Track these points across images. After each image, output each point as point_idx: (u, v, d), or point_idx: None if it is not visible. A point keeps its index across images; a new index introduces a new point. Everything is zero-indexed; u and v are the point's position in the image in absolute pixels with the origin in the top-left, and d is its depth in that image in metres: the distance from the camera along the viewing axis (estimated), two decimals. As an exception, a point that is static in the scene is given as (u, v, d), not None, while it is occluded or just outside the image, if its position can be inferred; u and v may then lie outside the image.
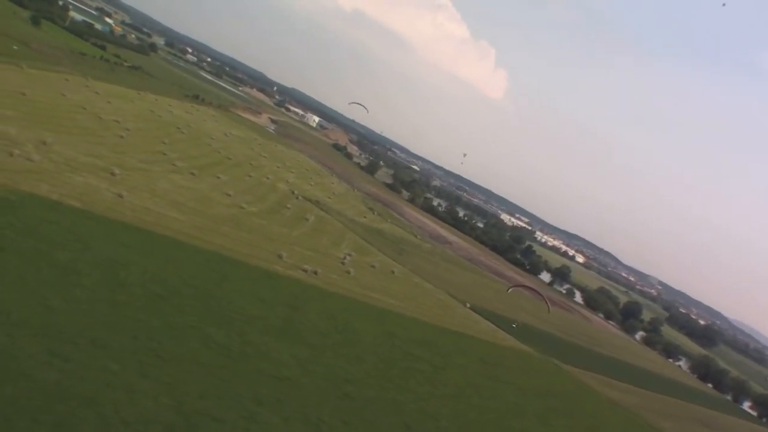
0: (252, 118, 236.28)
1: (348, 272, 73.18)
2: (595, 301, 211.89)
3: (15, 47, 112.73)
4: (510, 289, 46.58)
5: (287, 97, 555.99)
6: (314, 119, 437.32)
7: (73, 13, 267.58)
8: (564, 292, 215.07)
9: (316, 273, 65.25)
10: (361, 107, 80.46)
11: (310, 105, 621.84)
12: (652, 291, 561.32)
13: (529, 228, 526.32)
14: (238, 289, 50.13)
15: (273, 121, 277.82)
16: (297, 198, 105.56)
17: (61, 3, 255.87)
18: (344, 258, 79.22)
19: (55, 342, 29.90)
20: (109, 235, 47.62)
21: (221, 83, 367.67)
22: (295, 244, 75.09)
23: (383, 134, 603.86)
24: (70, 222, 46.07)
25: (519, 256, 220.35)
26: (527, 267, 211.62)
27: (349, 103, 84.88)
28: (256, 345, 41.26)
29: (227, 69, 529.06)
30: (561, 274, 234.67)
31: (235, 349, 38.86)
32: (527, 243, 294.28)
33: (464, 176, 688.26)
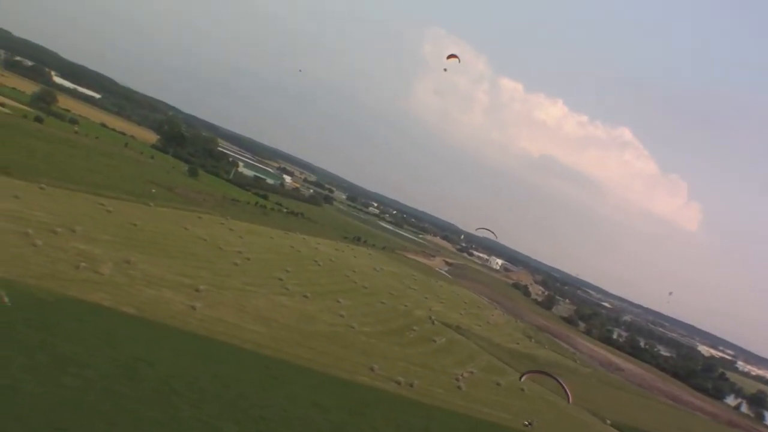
0: (423, 260, 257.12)
1: (459, 387, 73.22)
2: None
3: (153, 190, 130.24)
4: (523, 378, 41.39)
5: (474, 244, 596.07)
6: (498, 262, 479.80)
7: (243, 169, 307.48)
8: (752, 415, 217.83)
9: (411, 385, 64.98)
10: (490, 232, 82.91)
11: (498, 250, 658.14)
12: None
13: (730, 358, 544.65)
14: (289, 393, 49.36)
15: (448, 264, 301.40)
16: (432, 323, 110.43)
17: (230, 159, 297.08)
18: (461, 375, 79.47)
19: (6, 422, 31.37)
20: (151, 337, 50.13)
21: (400, 231, 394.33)
22: (403, 360, 75.62)
23: (578, 276, 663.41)
24: (107, 324, 49.33)
25: (702, 382, 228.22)
26: (710, 392, 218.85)
27: (477, 229, 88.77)
28: None
29: (412, 220, 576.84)
30: (756, 400, 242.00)
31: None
32: (720, 371, 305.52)
33: (664, 313, 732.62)
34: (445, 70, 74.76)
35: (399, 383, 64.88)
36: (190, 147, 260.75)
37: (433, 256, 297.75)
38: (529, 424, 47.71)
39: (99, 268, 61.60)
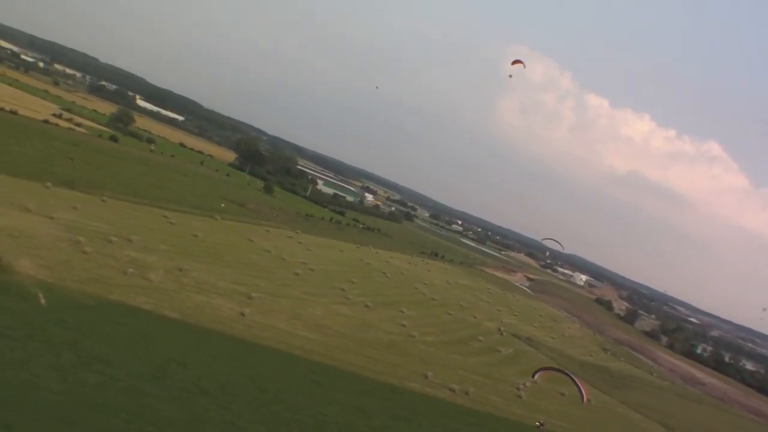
0: (502, 275, 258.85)
1: (519, 396, 71.93)
2: None
3: (223, 205, 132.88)
4: (535, 375, 38.58)
5: (560, 261, 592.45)
6: (582, 278, 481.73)
7: (323, 187, 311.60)
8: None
9: (467, 393, 63.99)
10: (557, 243, 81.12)
11: (584, 267, 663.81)
12: None
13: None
14: (331, 398, 48.43)
15: (529, 279, 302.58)
16: (501, 334, 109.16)
17: (309, 177, 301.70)
18: (523, 384, 77.77)
19: (16, 415, 31.64)
20: (190, 341, 50.21)
21: (482, 248, 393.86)
22: (462, 368, 74.63)
23: (666, 292, 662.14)
24: (145, 326, 49.69)
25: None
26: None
27: (543, 240, 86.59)
28: None
29: (497, 237, 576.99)
30: None
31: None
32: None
33: (757, 329, 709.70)
34: (510, 76, 73.25)
35: (453, 391, 63.50)
36: (269, 165, 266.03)
37: (514, 272, 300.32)
38: (541, 424, 45.62)
39: (148, 275, 62.50)
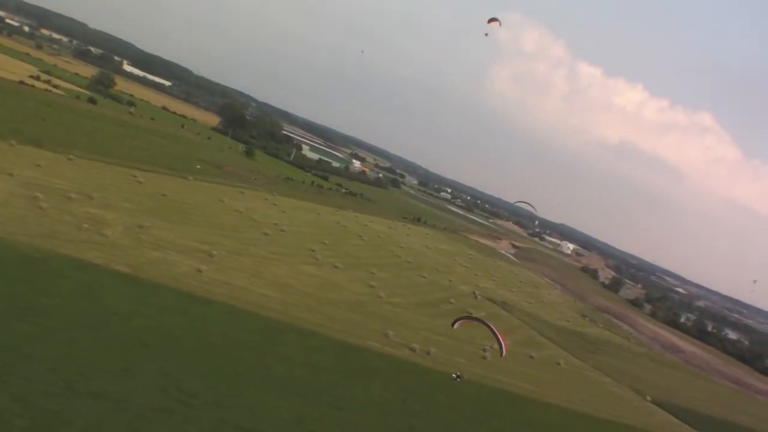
0: (488, 242, 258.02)
1: (484, 358, 71.53)
2: None
3: (198, 167, 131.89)
4: (455, 324, 37.82)
5: (548, 229, 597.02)
6: (569, 247, 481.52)
7: (308, 152, 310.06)
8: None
9: (428, 353, 63.71)
10: (530, 206, 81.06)
11: (572, 236, 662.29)
12: None
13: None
14: (281, 353, 48.59)
15: (515, 246, 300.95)
16: (475, 298, 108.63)
17: (294, 142, 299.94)
18: (491, 346, 76.93)
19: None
20: (138, 295, 49.78)
21: (470, 215, 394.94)
22: (427, 329, 74.42)
23: (655, 263, 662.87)
24: (92, 280, 49.20)
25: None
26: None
27: (516, 202, 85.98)
28: (226, 395, 38.79)
29: (486, 206, 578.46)
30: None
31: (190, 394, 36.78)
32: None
33: (745, 301, 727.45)
34: (486, 35, 72.95)
35: (414, 350, 63.49)
36: (253, 130, 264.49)
37: (500, 239, 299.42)
38: (458, 376, 45.60)
39: (104, 231, 62.13)
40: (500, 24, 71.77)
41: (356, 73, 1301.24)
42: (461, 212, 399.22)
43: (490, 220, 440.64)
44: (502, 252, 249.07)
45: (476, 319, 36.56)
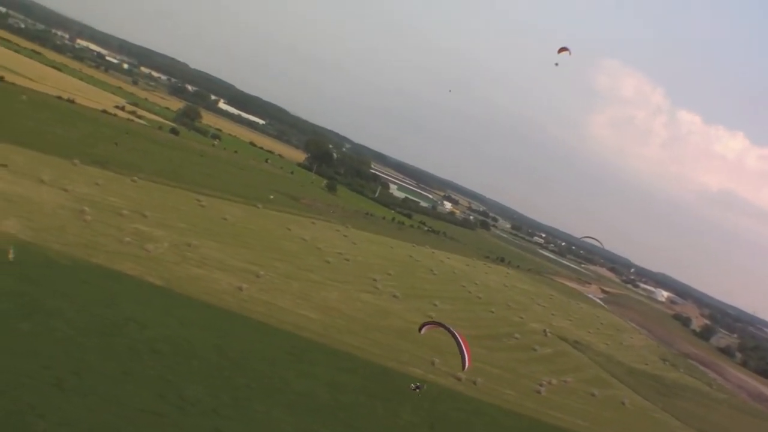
0: (575, 285, 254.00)
1: (538, 392, 68.10)
2: None
3: (271, 197, 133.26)
4: (422, 330, 34.09)
5: (645, 278, 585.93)
6: (663, 294, 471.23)
7: (396, 191, 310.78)
8: None
9: (474, 383, 61.48)
10: (596, 241, 78.56)
11: (669, 284, 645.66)
12: None
13: None
14: (303, 370, 46.93)
15: (604, 292, 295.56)
16: (545, 335, 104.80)
17: (382, 181, 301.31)
18: (549, 381, 74.19)
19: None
20: (164, 305, 49.23)
21: (561, 260, 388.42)
22: (484, 361, 71.10)
23: (755, 314, 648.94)
24: (118, 288, 48.81)
25: None
26: None
27: (582, 237, 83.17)
28: (229, 405, 37.21)
29: (581, 252, 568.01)
30: None
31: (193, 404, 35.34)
32: None
33: None
34: (556, 64, 73.31)
35: (459, 379, 61.11)
36: (339, 167, 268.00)
37: (589, 283, 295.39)
38: (417, 387, 41.77)
39: (147, 245, 62.30)
40: (570, 53, 71.19)
41: (452, 121, 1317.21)
42: (552, 256, 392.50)
43: (582, 265, 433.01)
44: (589, 296, 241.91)
45: (442, 325, 33.59)
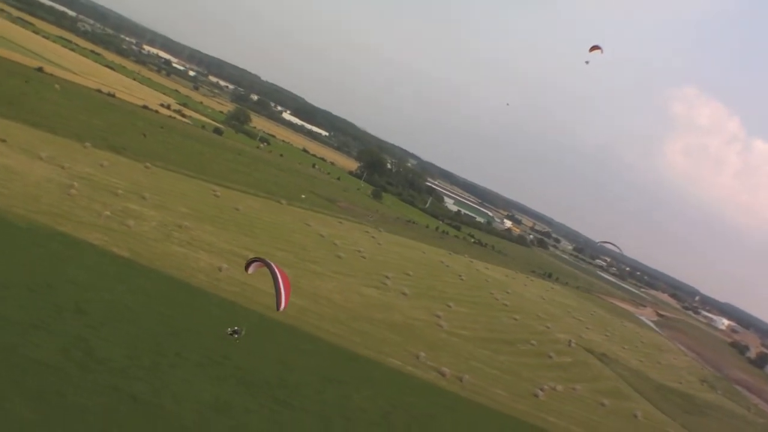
0: (627, 306, 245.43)
1: (535, 395, 64.84)
2: None
3: (303, 196, 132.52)
4: (249, 269, 30.52)
5: (709, 306, 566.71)
6: (724, 322, 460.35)
7: (450, 205, 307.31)
8: None
9: (460, 379, 58.67)
10: (614, 246, 75.74)
11: (736, 315, 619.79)
12: None
13: None
14: (252, 347, 44.77)
15: (659, 315, 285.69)
16: (568, 345, 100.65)
17: (436, 193, 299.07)
18: (554, 387, 70.64)
19: None
20: (116, 273, 48.08)
21: (619, 282, 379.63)
22: (479, 360, 68.72)
23: None
24: (70, 253, 48.02)
25: None
26: None
27: (599, 242, 79.92)
28: (139, 367, 35.73)
29: (645, 277, 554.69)
30: None
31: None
32: None
33: None
34: (587, 62, 72.02)
35: (443, 374, 58.18)
36: (393, 177, 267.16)
37: (644, 306, 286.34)
38: (234, 332, 37.90)
39: (128, 222, 61.54)
40: (602, 52, 69.79)
41: (523, 142, 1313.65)
42: (611, 278, 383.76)
43: (642, 290, 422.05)
44: (640, 317, 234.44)
45: (265, 262, 30.80)
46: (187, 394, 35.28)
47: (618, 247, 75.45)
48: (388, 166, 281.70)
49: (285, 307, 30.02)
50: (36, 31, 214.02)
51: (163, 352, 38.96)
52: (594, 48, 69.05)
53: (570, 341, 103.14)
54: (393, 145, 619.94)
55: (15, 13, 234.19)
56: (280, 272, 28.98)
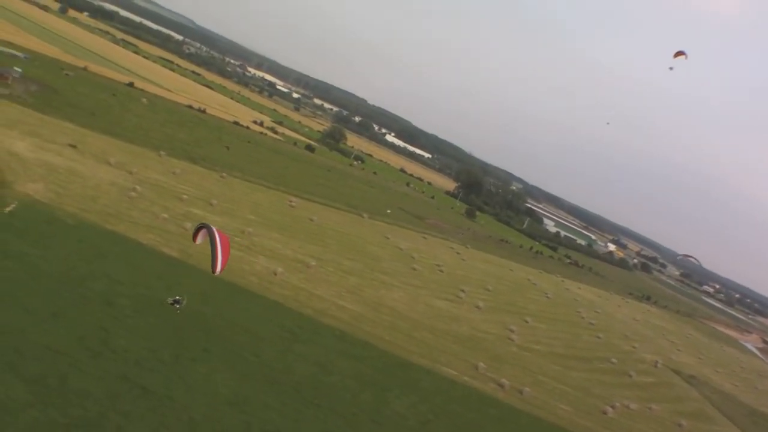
0: (731, 332, 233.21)
1: (603, 412, 61.28)
2: None
3: (388, 211, 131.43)
4: (197, 239, 27.57)
5: None
6: None
7: (550, 227, 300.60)
8: None
9: (520, 392, 55.94)
10: (695, 260, 73.35)
11: None
12: None
13: None
14: (295, 348, 44.11)
15: (765, 342, 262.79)
16: (654, 366, 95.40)
17: (535, 215, 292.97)
18: (626, 405, 66.64)
19: None
20: (159, 272, 47.82)
21: (726, 309, 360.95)
22: (546, 374, 65.67)
23: None
24: (115, 249, 48.11)
25: None
26: None
27: (679, 257, 76.38)
28: (159, 361, 34.94)
29: (755, 305, 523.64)
30: None
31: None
32: None
33: None
34: (670, 68, 71.34)
35: (501, 386, 55.55)
36: (491, 198, 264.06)
37: (749, 332, 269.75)
38: (175, 302, 34.90)
39: (186, 224, 61.53)
40: (686, 58, 69.73)
41: (638, 169, 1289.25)
42: (717, 304, 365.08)
43: (750, 316, 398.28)
44: (745, 343, 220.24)
45: (207, 227, 28.95)
46: (202, 388, 34.25)
47: (697, 260, 71.56)
48: (488, 187, 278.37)
49: (221, 270, 28.59)
50: (137, 51, 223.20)
51: (187, 346, 38.10)
52: (678, 54, 69.18)
53: (657, 362, 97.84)
54: (497, 168, 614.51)
55: (119, 35, 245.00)
56: (221, 237, 27.60)
